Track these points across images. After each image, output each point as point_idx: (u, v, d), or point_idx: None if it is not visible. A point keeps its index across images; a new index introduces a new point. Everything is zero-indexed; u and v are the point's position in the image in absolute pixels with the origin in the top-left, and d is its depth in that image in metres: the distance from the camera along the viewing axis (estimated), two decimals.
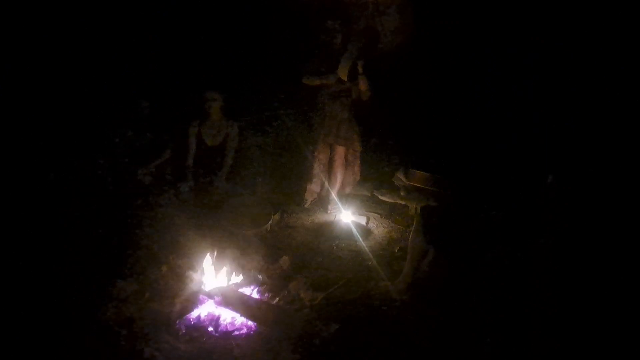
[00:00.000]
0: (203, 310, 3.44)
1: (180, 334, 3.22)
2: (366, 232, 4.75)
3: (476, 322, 3.15)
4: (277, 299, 3.61)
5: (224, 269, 3.72)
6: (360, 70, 4.76)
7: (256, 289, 3.70)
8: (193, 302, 3.47)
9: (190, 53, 6.05)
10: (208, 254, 3.74)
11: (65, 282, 3.52)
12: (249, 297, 3.59)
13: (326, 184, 5.18)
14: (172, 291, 3.50)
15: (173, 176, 5.27)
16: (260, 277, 3.80)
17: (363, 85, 4.82)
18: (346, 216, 4.87)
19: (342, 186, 5.28)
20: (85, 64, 5.59)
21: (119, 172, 5.06)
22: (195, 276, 3.65)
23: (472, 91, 5.74)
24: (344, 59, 4.76)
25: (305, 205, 5.20)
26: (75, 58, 5.56)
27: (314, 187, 5.19)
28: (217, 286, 3.59)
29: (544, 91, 5.30)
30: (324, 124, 4.98)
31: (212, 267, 3.70)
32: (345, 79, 4.78)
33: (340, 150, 5.11)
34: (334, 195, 5.12)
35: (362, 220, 4.91)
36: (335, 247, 4.44)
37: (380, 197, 5.17)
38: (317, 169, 5.12)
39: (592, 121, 4.74)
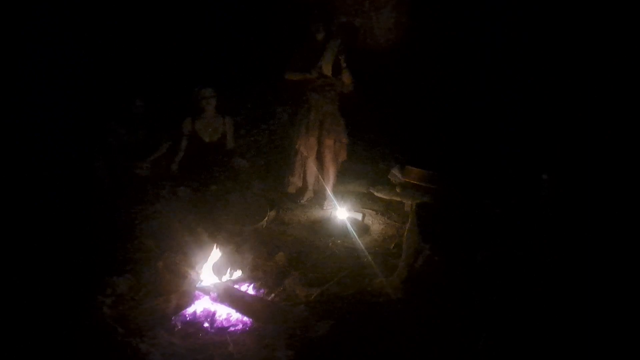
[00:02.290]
0: (199, 306, 3.45)
1: (176, 330, 3.23)
2: (362, 228, 4.76)
3: (471, 318, 3.16)
4: (273, 295, 3.62)
5: (220, 265, 3.73)
6: (343, 64, 4.78)
7: (252, 285, 3.71)
8: (189, 298, 3.48)
9: (186, 50, 6.06)
10: (205, 250, 3.76)
11: (61, 278, 3.52)
12: (245, 293, 3.60)
13: (321, 180, 5.18)
14: (168, 287, 3.51)
15: (170, 172, 5.28)
16: (255, 273, 3.82)
17: (347, 78, 4.84)
18: (342, 213, 4.88)
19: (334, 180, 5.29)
20: (81, 62, 5.59)
21: (115, 168, 5.06)
22: (191, 272, 3.66)
23: (468, 89, 5.75)
24: (326, 54, 4.78)
25: (302, 202, 5.21)
26: (71, 56, 5.56)
27: (295, 179, 5.19)
28: (213, 282, 3.60)
29: (541, 90, 5.32)
30: (308, 117, 4.98)
31: (208, 263, 3.71)
32: (330, 74, 4.81)
33: (329, 144, 5.06)
34: (329, 191, 5.13)
35: (358, 217, 4.92)
36: (330, 244, 4.44)
37: (375, 193, 5.18)
38: (299, 162, 5.13)
39: (589, 120, 4.76)
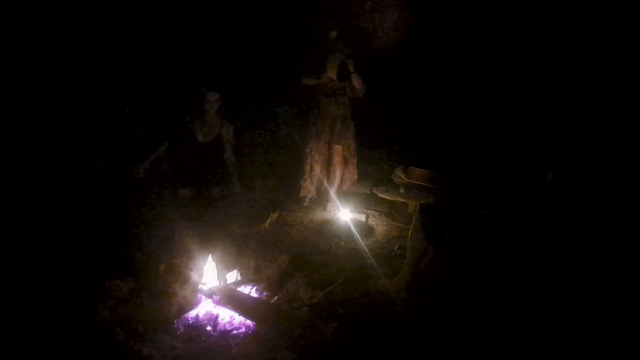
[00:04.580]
0: (201, 310, 3.43)
1: (178, 333, 3.20)
2: (365, 230, 4.73)
3: (475, 319, 3.14)
4: (276, 297, 3.59)
5: (223, 268, 3.70)
6: (351, 69, 4.73)
7: (255, 288, 3.68)
8: (191, 301, 3.45)
9: (186, 50, 6.03)
10: (208, 252, 3.73)
11: (62, 281, 3.50)
12: (248, 296, 3.57)
13: (325, 182, 5.16)
14: (170, 290, 3.47)
15: (169, 173, 5.25)
16: (258, 275, 3.79)
17: (357, 83, 4.79)
18: (345, 214, 4.85)
19: (341, 183, 5.28)
20: (80, 62, 5.57)
21: (116, 170, 5.03)
22: (193, 275, 3.63)
23: (469, 89, 5.74)
24: (332, 58, 4.74)
25: (304, 204, 5.18)
26: (71, 56, 5.54)
27: (308, 184, 5.18)
28: (216, 285, 3.57)
29: (541, 91, 5.31)
30: (318, 122, 4.96)
31: (211, 266, 3.67)
32: (335, 78, 4.77)
33: (338, 148, 5.11)
34: (332, 193, 5.11)
35: (361, 218, 4.89)
36: (334, 245, 4.42)
37: (379, 194, 5.16)
38: (311, 166, 5.10)
39: (589, 120, 4.75)
